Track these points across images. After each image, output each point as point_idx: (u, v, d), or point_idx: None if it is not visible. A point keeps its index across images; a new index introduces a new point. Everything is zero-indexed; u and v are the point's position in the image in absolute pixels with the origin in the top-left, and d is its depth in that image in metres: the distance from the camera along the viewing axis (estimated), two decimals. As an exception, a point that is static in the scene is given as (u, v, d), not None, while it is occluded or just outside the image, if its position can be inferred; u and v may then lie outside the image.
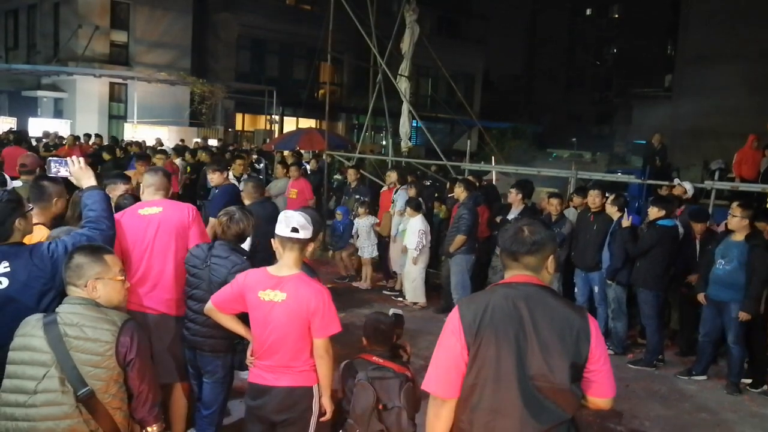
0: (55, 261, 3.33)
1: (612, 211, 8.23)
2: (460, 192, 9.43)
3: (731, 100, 25.77)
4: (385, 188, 11.81)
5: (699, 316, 7.60)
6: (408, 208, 9.92)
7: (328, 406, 3.91)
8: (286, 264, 3.83)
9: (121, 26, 28.75)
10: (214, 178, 7.88)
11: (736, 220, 7.09)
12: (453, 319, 2.87)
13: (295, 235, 3.77)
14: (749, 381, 7.34)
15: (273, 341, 3.81)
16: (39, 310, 3.18)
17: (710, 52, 27.89)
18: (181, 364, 4.76)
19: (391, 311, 4.47)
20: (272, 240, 3.87)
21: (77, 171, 3.91)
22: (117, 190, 5.56)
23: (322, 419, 3.92)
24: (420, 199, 10.25)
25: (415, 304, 9.98)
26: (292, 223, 3.78)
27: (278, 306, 3.76)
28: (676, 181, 9.45)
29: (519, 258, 2.88)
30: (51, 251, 3.37)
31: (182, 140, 22.14)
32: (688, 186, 9.50)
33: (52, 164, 4.00)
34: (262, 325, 3.82)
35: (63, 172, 3.99)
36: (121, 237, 4.57)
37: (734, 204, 7.23)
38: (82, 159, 3.97)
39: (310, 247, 3.92)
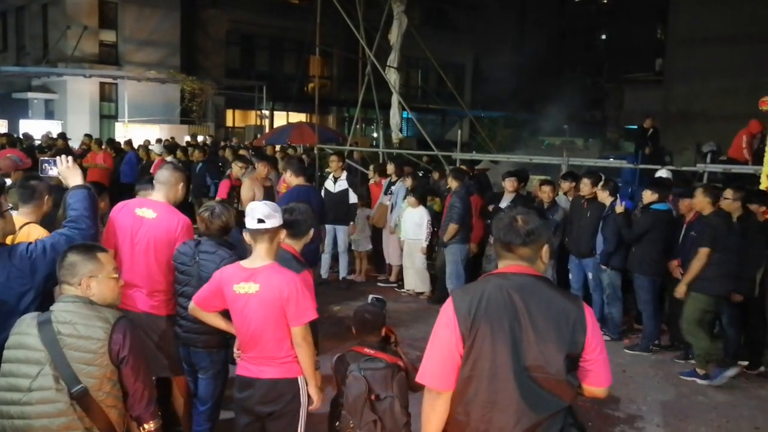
0: (34, 261, 3.33)
1: (603, 196, 8.20)
2: (450, 181, 9.43)
3: (723, 82, 25.78)
4: (372, 181, 11.77)
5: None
6: (411, 199, 9.94)
7: (315, 395, 3.93)
8: (259, 255, 3.87)
9: (109, 26, 28.60)
10: (291, 180, 7.76)
11: (728, 203, 7.07)
12: (447, 310, 2.84)
13: (261, 225, 3.80)
14: (746, 363, 7.33)
15: (252, 333, 3.85)
16: (19, 311, 3.19)
17: (700, 34, 27.88)
18: (174, 360, 4.76)
19: (371, 297, 4.48)
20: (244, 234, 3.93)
21: (64, 170, 3.93)
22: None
23: (311, 408, 3.94)
24: (422, 190, 10.32)
25: (420, 294, 10.08)
26: (256, 214, 3.81)
27: (253, 297, 3.80)
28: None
29: (513, 249, 2.84)
30: (30, 251, 3.37)
31: (172, 138, 22.08)
32: (664, 174, 9.40)
33: (44, 165, 4.03)
34: (241, 318, 3.87)
35: (53, 172, 4.02)
36: (114, 232, 4.59)
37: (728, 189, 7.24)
38: (70, 158, 3.98)
39: (282, 235, 3.93)
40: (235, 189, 9.59)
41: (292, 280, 3.78)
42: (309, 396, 3.93)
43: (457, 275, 9.15)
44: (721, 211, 7.00)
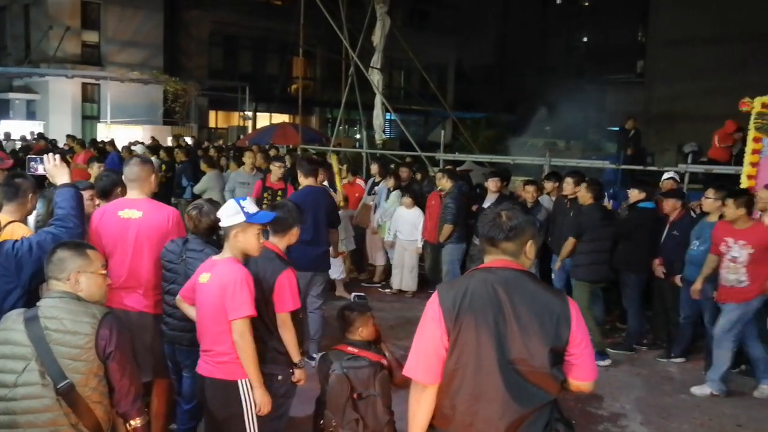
0: (20, 259, 3.32)
1: (586, 198, 8.16)
2: (444, 182, 9.48)
3: (703, 83, 25.96)
4: (345, 181, 11.71)
5: (674, 299, 7.71)
6: (407, 200, 9.95)
7: (260, 399, 3.87)
8: (224, 250, 3.98)
9: (92, 26, 28.48)
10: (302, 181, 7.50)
11: (710, 202, 7.13)
12: (432, 304, 2.87)
13: (221, 224, 3.95)
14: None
15: (200, 325, 3.94)
16: (4, 309, 3.16)
17: (681, 36, 28.15)
18: (160, 361, 4.74)
19: (353, 295, 4.49)
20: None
21: (52, 168, 3.96)
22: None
23: (259, 413, 3.88)
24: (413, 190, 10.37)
25: (406, 293, 10.11)
26: (220, 213, 3.95)
27: (204, 287, 3.89)
28: (666, 175, 9.21)
29: (497, 244, 2.87)
30: (16, 249, 3.37)
31: (152, 137, 22.00)
32: (668, 175, 9.13)
33: (31, 163, 4.10)
34: (197, 310, 3.99)
35: (40, 170, 4.07)
36: (100, 239, 4.54)
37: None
38: (58, 156, 4.01)
39: (244, 233, 3.91)
40: (268, 191, 9.24)
41: (234, 272, 3.82)
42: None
43: (453, 274, 9.15)
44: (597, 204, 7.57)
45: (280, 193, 9.07)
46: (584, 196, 7.64)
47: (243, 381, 3.85)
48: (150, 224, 4.61)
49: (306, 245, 6.57)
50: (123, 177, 4.82)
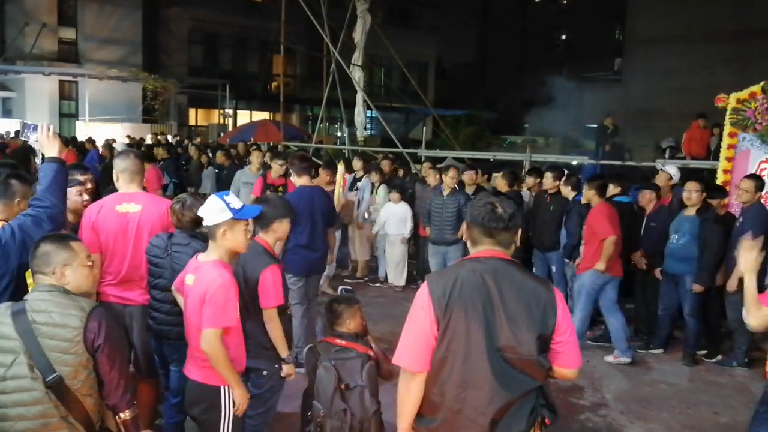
0: (5, 246, 3.33)
1: (566, 191, 8.33)
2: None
3: (679, 81, 26.29)
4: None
5: (653, 292, 7.83)
6: (395, 195, 10.01)
7: (239, 399, 3.84)
8: (210, 249, 3.90)
9: (68, 23, 28.21)
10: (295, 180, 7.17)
11: (697, 195, 7.23)
12: (422, 293, 2.92)
13: (205, 223, 3.83)
14: (704, 352, 7.55)
15: (186, 325, 3.90)
16: None
17: (657, 34, 28.49)
18: (150, 357, 4.78)
19: (340, 288, 4.53)
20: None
21: (43, 139, 3.94)
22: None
23: (237, 412, 3.87)
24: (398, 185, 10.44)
25: (396, 286, 10.19)
26: (203, 212, 3.83)
27: (189, 290, 3.84)
28: (658, 163, 9.19)
29: (495, 234, 2.91)
30: None
31: (128, 136, 21.95)
32: (673, 171, 8.70)
33: (25, 129, 4.07)
34: (184, 310, 3.94)
35: (32, 139, 4.04)
36: (98, 235, 4.54)
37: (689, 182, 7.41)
38: (52, 127, 3.98)
39: (230, 231, 3.81)
40: (269, 188, 8.97)
41: (214, 280, 3.69)
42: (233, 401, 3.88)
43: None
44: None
45: (281, 188, 8.95)
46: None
47: (225, 388, 3.81)
48: (151, 217, 4.62)
49: (303, 249, 6.55)
50: (115, 170, 4.76)
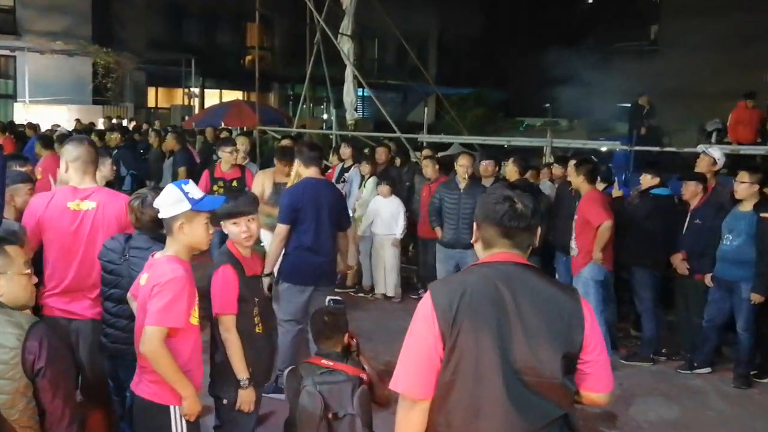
0: None
1: (578, 182, 7.90)
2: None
3: (727, 54, 26.18)
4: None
5: (697, 301, 7.76)
6: (384, 188, 9.93)
7: (188, 409, 3.79)
8: (167, 246, 3.91)
9: (4, -12, 28.14)
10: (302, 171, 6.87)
11: (745, 187, 7.17)
12: (425, 305, 2.84)
13: (161, 215, 3.84)
14: (755, 372, 7.49)
15: (137, 332, 3.84)
16: None
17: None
18: (102, 381, 4.74)
19: (328, 299, 4.50)
20: None
21: None
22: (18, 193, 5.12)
23: (186, 417, 3.81)
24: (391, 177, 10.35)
25: (391, 298, 10.14)
26: (159, 202, 3.84)
27: (141, 290, 3.83)
28: (701, 148, 9.03)
29: (514, 234, 2.86)
30: None
31: (77, 120, 21.93)
32: (717, 154, 8.34)
33: None
34: (136, 315, 3.91)
35: None
36: (42, 233, 4.53)
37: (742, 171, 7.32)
38: None
39: (188, 224, 3.80)
40: (218, 182, 8.76)
41: (167, 273, 3.70)
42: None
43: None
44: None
45: (234, 182, 8.81)
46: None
47: (175, 408, 3.78)
48: (106, 218, 4.59)
49: (305, 252, 6.34)
50: (65, 159, 4.70)
